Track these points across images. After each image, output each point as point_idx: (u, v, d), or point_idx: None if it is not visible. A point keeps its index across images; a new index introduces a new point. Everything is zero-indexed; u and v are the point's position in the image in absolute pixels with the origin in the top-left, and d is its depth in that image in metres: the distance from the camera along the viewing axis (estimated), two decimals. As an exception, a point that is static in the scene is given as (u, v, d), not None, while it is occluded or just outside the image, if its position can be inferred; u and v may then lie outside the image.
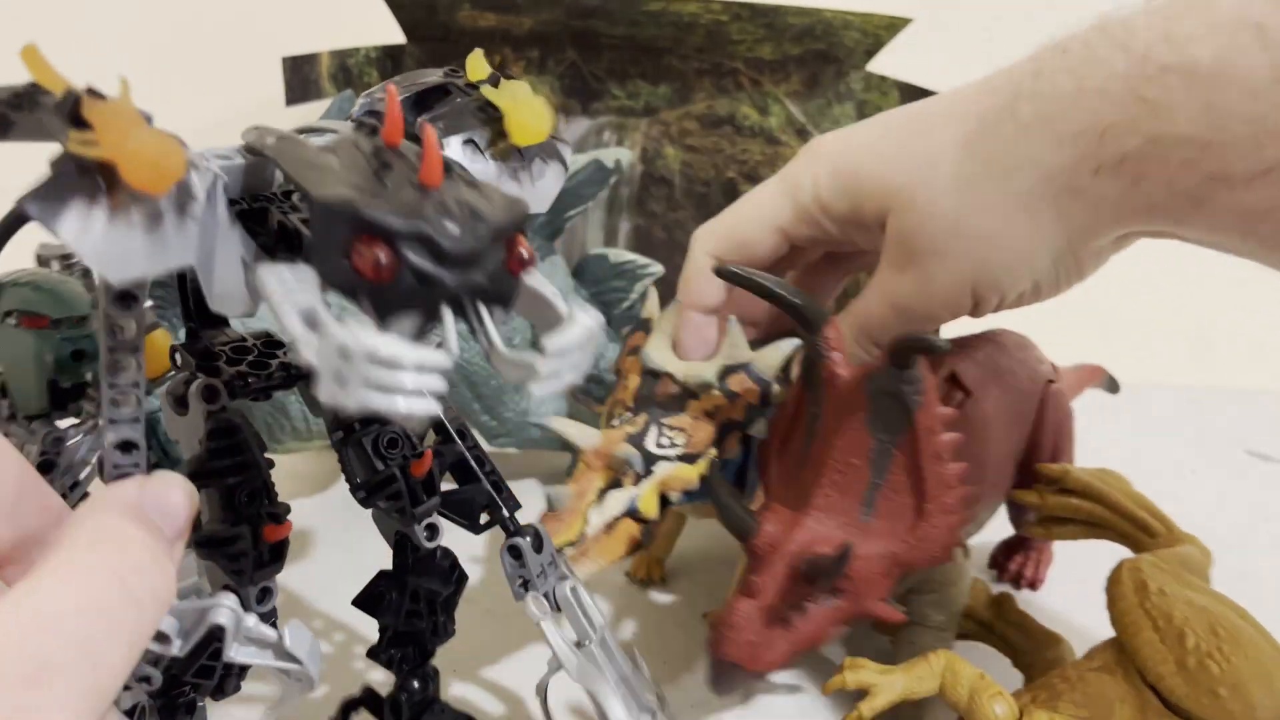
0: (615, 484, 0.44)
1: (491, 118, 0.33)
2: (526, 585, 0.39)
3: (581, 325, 0.27)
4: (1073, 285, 0.45)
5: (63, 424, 0.44)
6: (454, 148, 0.32)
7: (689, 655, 0.51)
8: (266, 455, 0.36)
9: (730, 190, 0.81)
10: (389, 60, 0.74)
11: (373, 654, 0.41)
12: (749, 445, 0.48)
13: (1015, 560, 0.61)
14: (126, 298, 0.30)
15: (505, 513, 0.40)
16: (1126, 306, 1.00)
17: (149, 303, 0.49)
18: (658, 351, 0.48)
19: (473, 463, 0.39)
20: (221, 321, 0.37)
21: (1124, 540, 0.47)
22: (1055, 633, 0.47)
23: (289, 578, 0.57)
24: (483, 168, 0.33)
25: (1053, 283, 0.44)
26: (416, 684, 0.41)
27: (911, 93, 0.74)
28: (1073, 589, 0.47)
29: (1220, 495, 0.70)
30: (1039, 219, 0.41)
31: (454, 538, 0.41)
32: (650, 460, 0.44)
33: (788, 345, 0.47)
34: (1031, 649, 0.48)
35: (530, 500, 0.67)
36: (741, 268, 0.43)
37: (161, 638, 0.30)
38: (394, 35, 0.74)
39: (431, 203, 0.24)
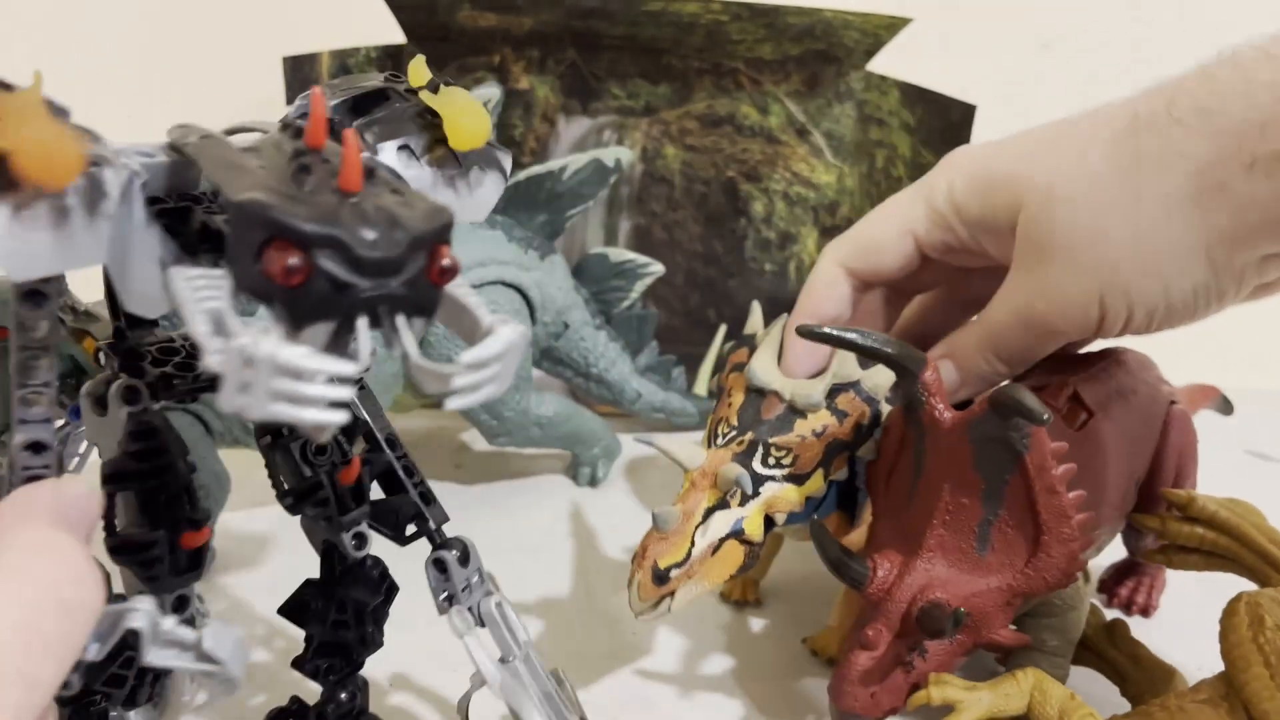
0: (722, 504, 0.43)
1: (429, 124, 0.33)
2: (450, 600, 0.38)
3: (502, 338, 0.26)
4: (1209, 312, 0.42)
5: None
6: (389, 154, 0.32)
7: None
8: (190, 459, 0.35)
9: (730, 189, 0.81)
10: (389, 60, 0.74)
11: (298, 664, 0.40)
12: (854, 465, 0.47)
13: (1126, 585, 0.58)
14: (35, 295, 0.29)
15: (432, 525, 0.39)
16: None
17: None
18: (764, 368, 0.47)
19: (401, 473, 0.39)
20: (151, 321, 0.35)
21: (1250, 575, 0.45)
22: (1169, 664, 0.46)
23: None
24: (417, 175, 0.32)
25: (1188, 303, 0.41)
26: (344, 695, 0.40)
27: (911, 93, 0.74)
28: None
29: (1221, 495, 0.69)
30: (1183, 221, 0.39)
31: (397, 548, 0.40)
32: (758, 481, 0.44)
33: None
34: (1142, 679, 0.46)
35: (528, 498, 0.68)
36: (829, 326, 0.42)
37: None
38: (394, 35, 0.74)
39: (349, 208, 0.23)
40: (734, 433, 0.46)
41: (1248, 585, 0.44)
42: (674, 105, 0.79)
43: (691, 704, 0.48)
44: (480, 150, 0.33)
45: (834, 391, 0.46)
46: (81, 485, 0.26)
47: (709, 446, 0.47)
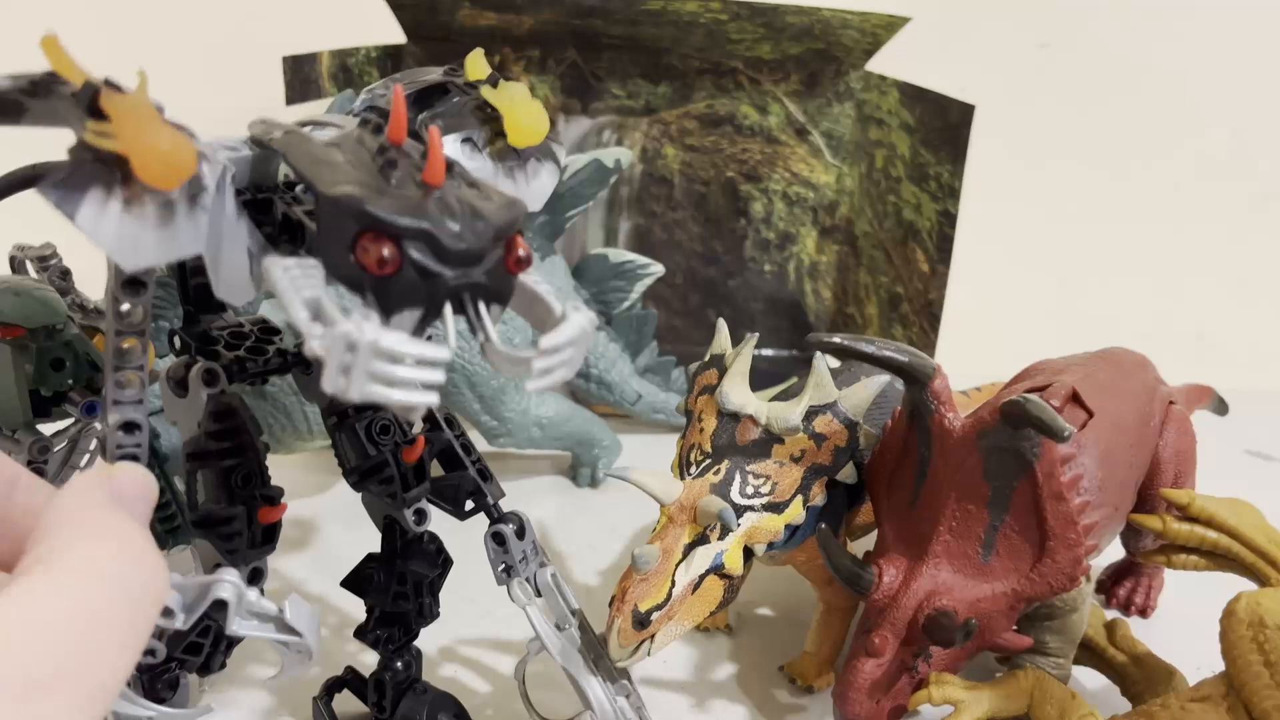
0: (701, 539, 0.42)
1: (490, 117, 0.34)
2: (509, 571, 0.40)
3: (575, 324, 0.27)
4: None
5: (47, 430, 0.43)
6: (452, 145, 0.33)
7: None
8: (263, 439, 0.37)
9: (730, 190, 0.81)
10: (389, 60, 0.74)
11: (359, 633, 0.42)
12: (834, 489, 0.45)
13: (1125, 586, 0.58)
14: (135, 283, 0.30)
15: (490, 500, 0.41)
16: (1126, 307, 1.00)
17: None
18: (736, 392, 0.45)
19: (460, 451, 0.40)
20: (218, 307, 0.37)
21: (1250, 575, 0.45)
22: (1169, 664, 0.46)
23: (288, 571, 0.58)
24: (479, 165, 0.34)
25: None
26: (400, 665, 0.42)
27: (911, 92, 0.74)
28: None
29: (1221, 495, 0.69)
30: None
31: (441, 530, 0.41)
32: (738, 513, 0.42)
33: (874, 384, 0.45)
34: (1142, 679, 0.46)
35: (528, 499, 0.68)
36: (843, 336, 0.42)
37: (165, 612, 0.31)
38: (394, 35, 0.74)
39: (434, 201, 0.25)
40: (709, 460, 0.45)
41: (1247, 585, 0.44)
42: (674, 105, 0.79)
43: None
44: (537, 143, 0.35)
45: (811, 414, 0.44)
46: (136, 469, 0.26)
47: (680, 474, 0.46)
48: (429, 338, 0.27)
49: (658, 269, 0.70)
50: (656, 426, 0.78)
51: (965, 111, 0.68)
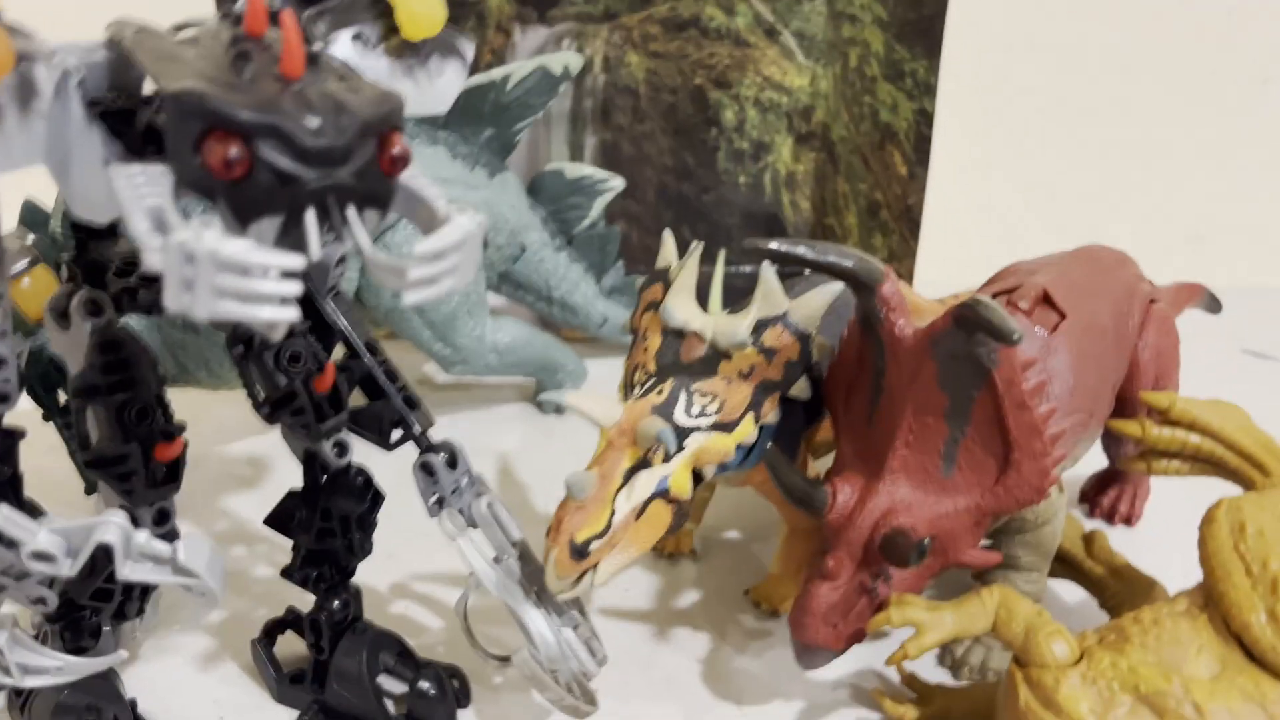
0: (643, 463, 0.39)
1: (383, 11, 0.31)
2: (441, 503, 0.39)
3: (459, 226, 0.25)
4: None
5: None
6: (343, 44, 0.31)
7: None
8: (160, 371, 0.36)
9: (699, 98, 0.78)
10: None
11: (286, 573, 0.41)
12: (788, 406, 0.43)
13: (1108, 494, 0.56)
14: None
15: (417, 429, 0.39)
16: (1118, 201, 0.96)
17: (31, 237, 0.48)
18: (680, 307, 0.43)
19: (382, 378, 0.38)
20: (111, 233, 0.35)
21: (1234, 478, 0.43)
22: (1149, 576, 0.45)
23: (239, 510, 0.56)
24: (373, 64, 0.31)
25: None
26: (336, 604, 0.41)
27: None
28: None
29: (1218, 395, 0.67)
30: None
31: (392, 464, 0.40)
32: (682, 434, 0.40)
33: (826, 293, 0.43)
34: (1122, 591, 0.45)
35: (493, 430, 0.66)
36: (779, 240, 0.39)
37: (47, 557, 0.29)
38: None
39: (290, 95, 0.23)
40: (653, 380, 0.42)
41: (1234, 490, 0.42)
42: (635, 9, 0.75)
43: (633, 659, 0.46)
44: (438, 38, 0.32)
45: (759, 327, 0.42)
46: None
47: (625, 396, 0.44)
48: (342, 259, 0.25)
49: (617, 182, 0.67)
50: (625, 349, 0.75)
51: (939, 0, 0.64)
